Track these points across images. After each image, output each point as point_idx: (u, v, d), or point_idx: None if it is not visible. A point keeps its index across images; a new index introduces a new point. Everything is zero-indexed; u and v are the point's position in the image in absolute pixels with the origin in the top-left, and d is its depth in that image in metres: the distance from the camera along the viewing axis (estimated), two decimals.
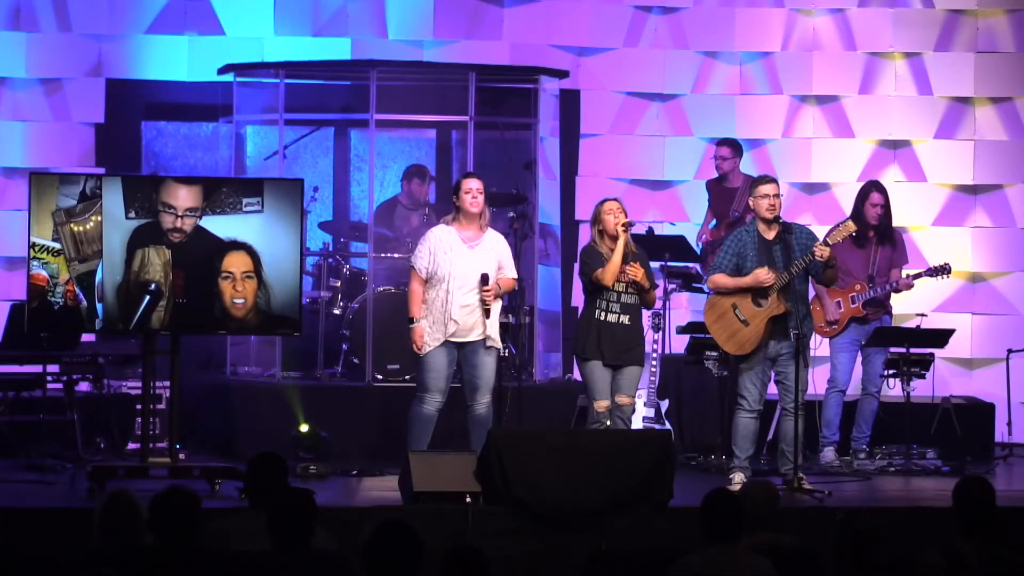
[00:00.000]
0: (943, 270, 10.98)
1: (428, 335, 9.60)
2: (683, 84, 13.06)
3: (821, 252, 9.58)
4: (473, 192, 9.66)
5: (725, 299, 9.82)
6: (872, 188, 11.14)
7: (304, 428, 10.34)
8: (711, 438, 11.08)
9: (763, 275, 9.65)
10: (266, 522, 5.97)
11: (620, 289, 9.68)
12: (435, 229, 9.80)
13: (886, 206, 11.04)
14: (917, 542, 6.05)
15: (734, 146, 12.00)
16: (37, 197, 9.10)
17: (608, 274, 9.60)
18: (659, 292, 10.77)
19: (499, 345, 9.74)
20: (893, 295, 11.16)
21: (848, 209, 11.47)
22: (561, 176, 12.57)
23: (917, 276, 11.01)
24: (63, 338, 10.34)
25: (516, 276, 9.99)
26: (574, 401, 11.12)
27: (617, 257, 9.60)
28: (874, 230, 10.99)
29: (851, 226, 10.01)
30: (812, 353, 10.34)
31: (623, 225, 9.62)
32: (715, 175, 12.07)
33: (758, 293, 9.72)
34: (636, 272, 9.61)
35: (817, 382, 10.80)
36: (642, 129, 13.05)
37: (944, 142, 13.00)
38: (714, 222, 12.03)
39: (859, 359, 11.13)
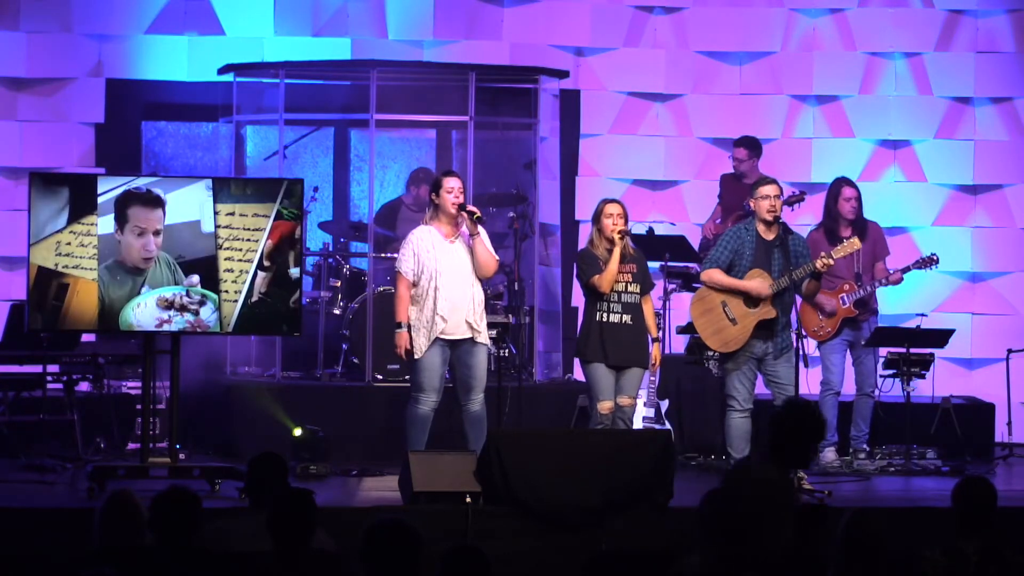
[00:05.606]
0: (931, 261, 10.91)
1: (419, 336, 9.58)
2: (683, 84, 13.06)
3: (825, 263, 9.54)
4: (455, 192, 9.65)
5: (715, 294, 9.77)
6: (843, 183, 11.10)
7: (297, 432, 10.33)
8: (711, 438, 11.07)
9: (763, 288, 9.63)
10: (266, 522, 5.97)
11: (620, 289, 9.68)
12: (416, 231, 9.77)
13: (859, 199, 11.01)
14: (917, 542, 6.05)
15: (751, 147, 11.97)
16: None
17: (605, 282, 9.60)
18: (659, 292, 10.76)
19: (488, 342, 9.74)
20: (885, 291, 11.12)
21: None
22: (561, 176, 12.58)
23: (906, 270, 10.96)
24: (63, 338, 10.34)
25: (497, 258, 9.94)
26: (574, 401, 11.12)
27: (613, 265, 9.60)
28: (851, 226, 10.95)
29: (856, 243, 9.95)
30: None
31: (619, 233, 9.61)
32: (731, 171, 12.07)
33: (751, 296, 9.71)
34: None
35: (811, 384, 10.78)
36: (642, 129, 13.05)
37: (944, 142, 13.00)
38: (719, 220, 12.01)
39: (849, 361, 11.12)
